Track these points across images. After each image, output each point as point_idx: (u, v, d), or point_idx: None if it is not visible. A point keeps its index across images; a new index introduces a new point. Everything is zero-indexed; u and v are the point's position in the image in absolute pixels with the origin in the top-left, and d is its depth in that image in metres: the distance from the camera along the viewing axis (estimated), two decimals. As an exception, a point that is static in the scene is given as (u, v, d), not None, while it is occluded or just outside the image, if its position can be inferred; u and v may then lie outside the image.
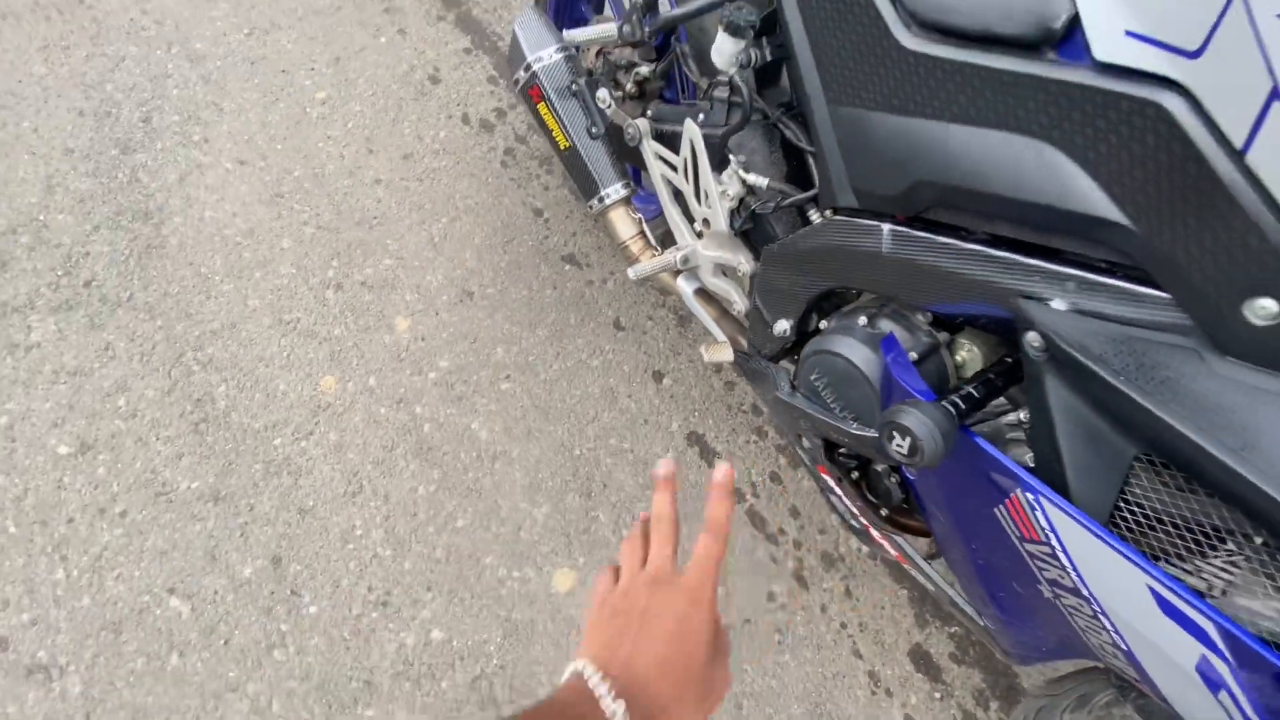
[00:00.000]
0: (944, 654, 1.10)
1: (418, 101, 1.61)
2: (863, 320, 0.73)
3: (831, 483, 0.87)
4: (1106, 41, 0.46)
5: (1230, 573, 0.49)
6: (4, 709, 1.01)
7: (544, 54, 0.99)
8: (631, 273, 0.98)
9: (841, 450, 0.85)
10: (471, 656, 1.07)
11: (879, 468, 0.81)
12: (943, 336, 0.68)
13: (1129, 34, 0.45)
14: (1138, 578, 0.47)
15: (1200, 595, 0.45)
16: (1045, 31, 0.50)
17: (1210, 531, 0.48)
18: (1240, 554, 0.48)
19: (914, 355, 0.65)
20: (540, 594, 1.12)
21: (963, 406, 0.55)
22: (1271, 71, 0.38)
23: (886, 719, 1.05)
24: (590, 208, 1.02)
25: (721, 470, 0.46)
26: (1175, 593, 0.45)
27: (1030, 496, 0.53)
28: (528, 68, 1.00)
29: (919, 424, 0.52)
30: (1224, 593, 0.49)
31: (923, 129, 0.60)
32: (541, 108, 1.00)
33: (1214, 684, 0.46)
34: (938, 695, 1.07)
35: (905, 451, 0.54)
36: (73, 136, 1.51)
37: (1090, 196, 0.49)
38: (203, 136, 1.53)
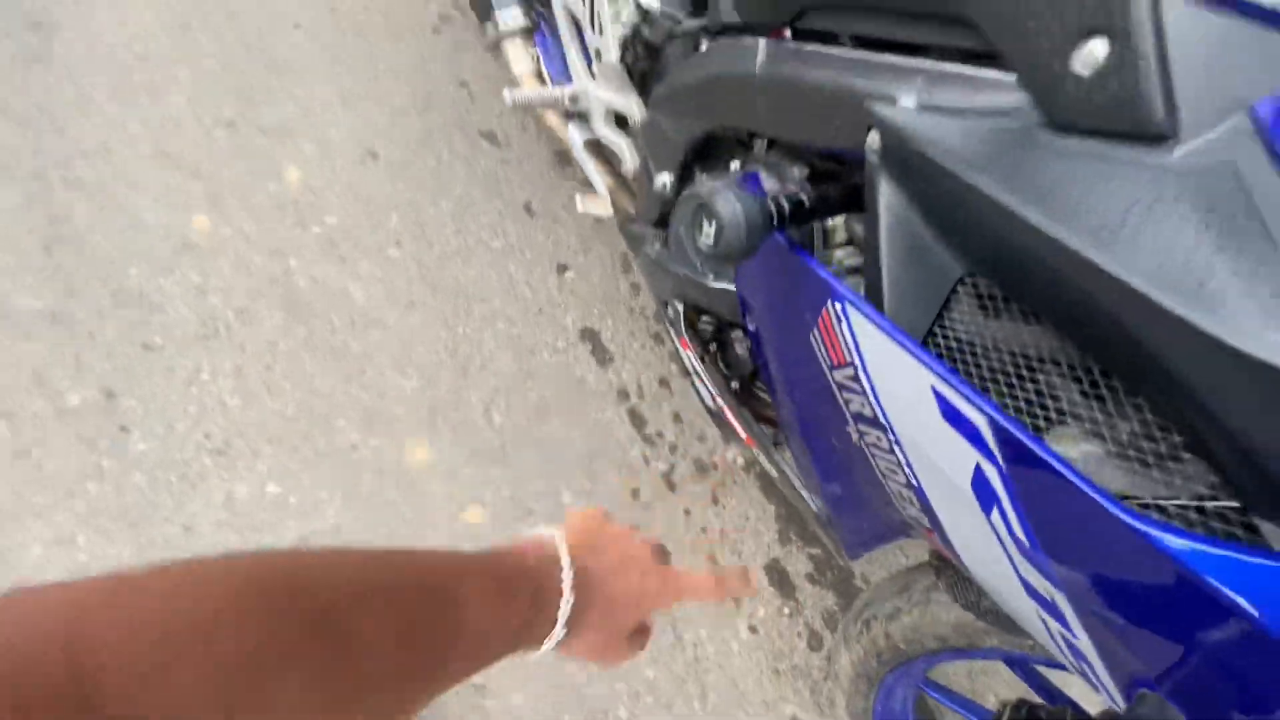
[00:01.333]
0: (800, 573, 1.07)
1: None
2: (734, 166, 0.68)
3: (693, 358, 0.82)
4: None
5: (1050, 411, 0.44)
6: None
7: None
8: (508, 95, 0.90)
9: (702, 320, 0.79)
10: (306, 515, 1.00)
11: (734, 336, 0.76)
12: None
13: None
14: (923, 379, 0.42)
15: (976, 389, 0.40)
16: None
17: (1032, 368, 0.43)
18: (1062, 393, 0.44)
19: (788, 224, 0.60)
20: (392, 465, 1.06)
21: (786, 209, 0.50)
22: None
23: (729, 628, 1.02)
24: (485, 33, 0.94)
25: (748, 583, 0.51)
26: (953, 386, 0.40)
27: (838, 306, 0.48)
28: None
29: (727, 206, 0.47)
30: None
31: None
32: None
33: (987, 501, 0.42)
34: (786, 612, 1.04)
35: (711, 240, 0.48)
36: None
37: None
38: (106, -50, 1.39)
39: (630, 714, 0.98)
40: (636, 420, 1.14)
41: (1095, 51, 0.36)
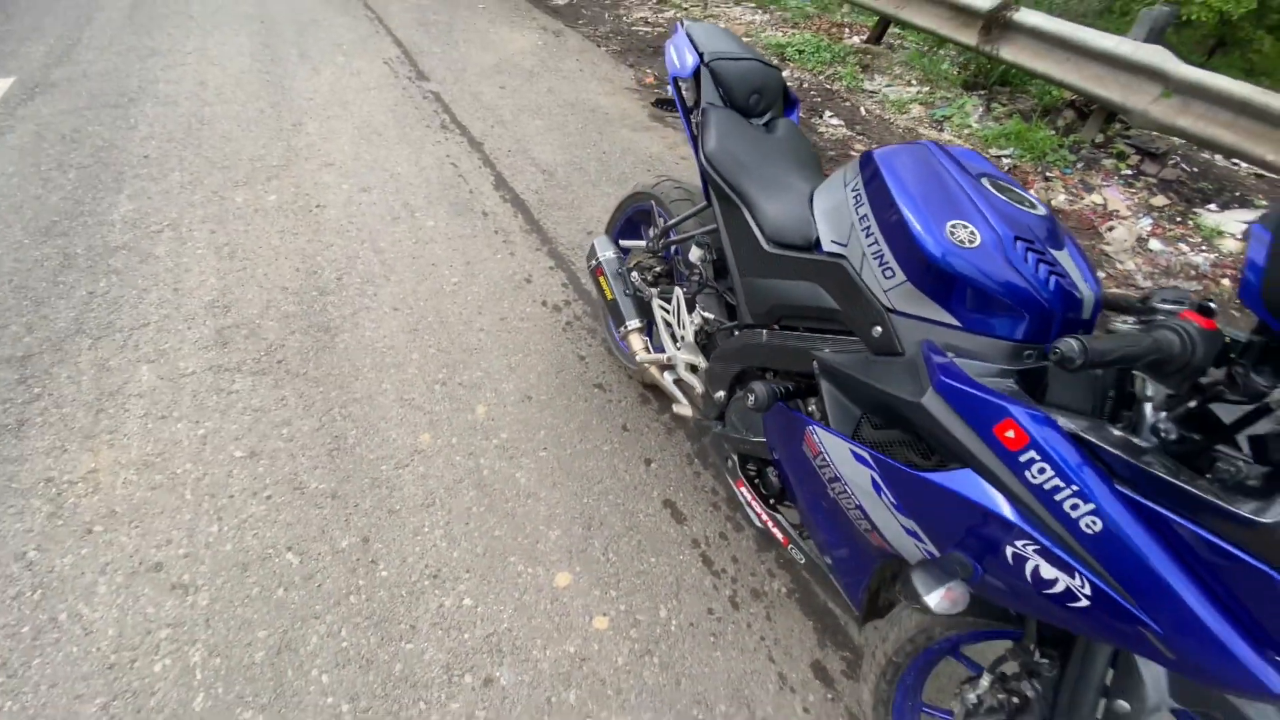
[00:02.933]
0: (837, 670, 1.46)
1: (516, 290, 2.45)
2: (757, 384, 1.37)
3: (745, 492, 1.41)
4: (825, 243, 1.19)
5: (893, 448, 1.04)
6: (147, 609, 1.43)
7: (606, 253, 1.80)
8: (636, 360, 1.64)
9: (748, 465, 1.41)
10: (487, 620, 1.47)
11: (768, 470, 1.36)
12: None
13: (832, 240, 1.17)
14: (848, 449, 1.03)
15: (869, 445, 1.00)
16: (809, 241, 1.23)
17: (887, 437, 1.05)
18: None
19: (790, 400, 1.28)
20: (546, 585, 1.55)
21: (781, 391, 1.17)
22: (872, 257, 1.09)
23: (789, 708, 1.39)
24: (621, 330, 1.73)
25: None
26: (857, 448, 1.00)
27: (811, 427, 1.11)
28: (597, 259, 1.81)
29: (759, 386, 1.14)
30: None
31: (774, 283, 1.31)
32: (602, 280, 1.78)
33: (879, 493, 0.98)
34: (830, 697, 1.41)
35: (751, 402, 1.14)
36: (287, 280, 2.35)
37: (830, 303, 1.17)
38: (375, 291, 2.36)
39: (719, 777, 1.30)
40: (706, 561, 1.65)
41: (875, 332, 1.06)
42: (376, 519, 1.65)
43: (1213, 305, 0.76)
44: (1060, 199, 3.36)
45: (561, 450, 1.88)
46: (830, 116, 4.11)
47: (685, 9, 5.92)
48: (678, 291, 1.59)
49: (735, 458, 1.44)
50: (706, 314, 1.54)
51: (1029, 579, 0.80)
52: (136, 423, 1.82)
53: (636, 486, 1.81)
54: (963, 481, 0.85)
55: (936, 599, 0.82)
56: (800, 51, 4.86)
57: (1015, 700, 0.99)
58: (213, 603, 1.45)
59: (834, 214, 1.20)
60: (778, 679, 1.43)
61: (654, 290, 1.71)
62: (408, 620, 1.46)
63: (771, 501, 1.37)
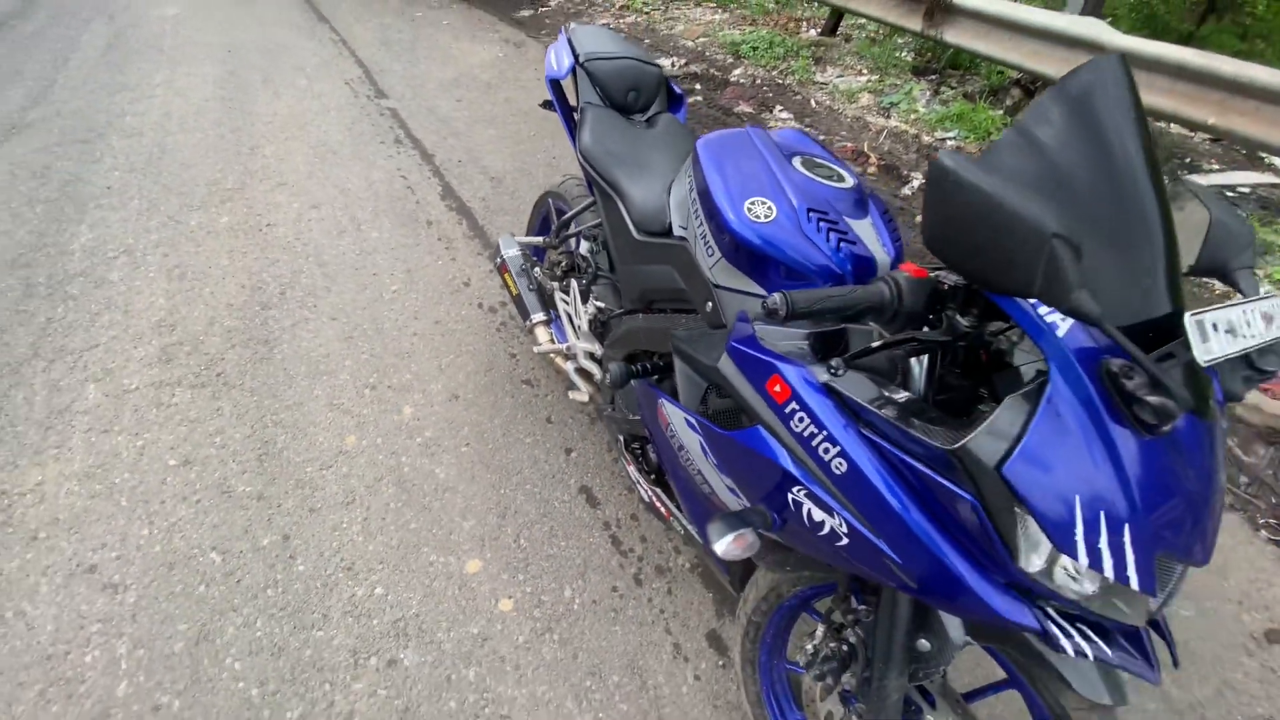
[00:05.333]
0: (734, 639, 1.50)
1: (454, 294, 2.53)
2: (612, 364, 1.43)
3: (632, 470, 1.46)
4: (675, 228, 1.24)
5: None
6: (82, 607, 1.51)
7: (510, 251, 1.88)
8: (536, 349, 1.70)
9: (633, 444, 1.46)
10: (397, 606, 1.54)
11: (649, 447, 1.42)
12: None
13: (680, 225, 1.23)
14: (684, 416, 1.08)
15: (697, 413, 1.06)
16: (665, 227, 1.29)
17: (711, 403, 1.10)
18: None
19: (655, 378, 1.33)
20: (456, 572, 1.62)
21: (644, 368, 1.23)
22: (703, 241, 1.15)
23: (681, 675, 1.44)
24: (527, 324, 1.80)
25: None
26: (693, 417, 1.06)
27: (661, 400, 1.17)
28: (501, 257, 1.88)
29: (614, 365, 1.20)
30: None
31: (643, 269, 1.37)
32: (506, 276, 1.86)
33: (707, 456, 1.04)
34: (721, 664, 1.46)
35: (607, 380, 1.20)
36: (232, 297, 2.44)
37: (681, 283, 1.23)
38: (315, 302, 2.44)
39: (611, 744, 1.36)
40: (615, 542, 1.70)
41: (707, 307, 1.12)
42: (298, 518, 1.72)
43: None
44: (1004, 176, 3.38)
45: (484, 445, 1.94)
46: (780, 111, 4.17)
47: (646, 13, 6.01)
48: (574, 283, 1.66)
49: (623, 438, 1.50)
50: (600, 303, 1.61)
51: (807, 523, 0.86)
52: (81, 437, 1.91)
53: (555, 475, 1.87)
54: (753, 436, 0.91)
55: (724, 545, 0.88)
56: (754, 48, 4.92)
57: (844, 648, 1.04)
58: (140, 599, 1.53)
59: (680, 201, 1.27)
60: (673, 649, 1.48)
61: (555, 284, 1.78)
62: (320, 610, 1.53)
63: (653, 477, 1.43)
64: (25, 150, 3.45)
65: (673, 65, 5.06)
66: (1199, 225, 0.81)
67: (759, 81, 4.62)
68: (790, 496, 0.87)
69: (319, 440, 1.93)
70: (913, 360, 0.85)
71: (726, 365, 0.93)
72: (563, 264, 1.84)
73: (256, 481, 1.81)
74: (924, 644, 0.92)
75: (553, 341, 1.79)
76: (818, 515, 0.84)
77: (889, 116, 3.94)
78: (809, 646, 1.09)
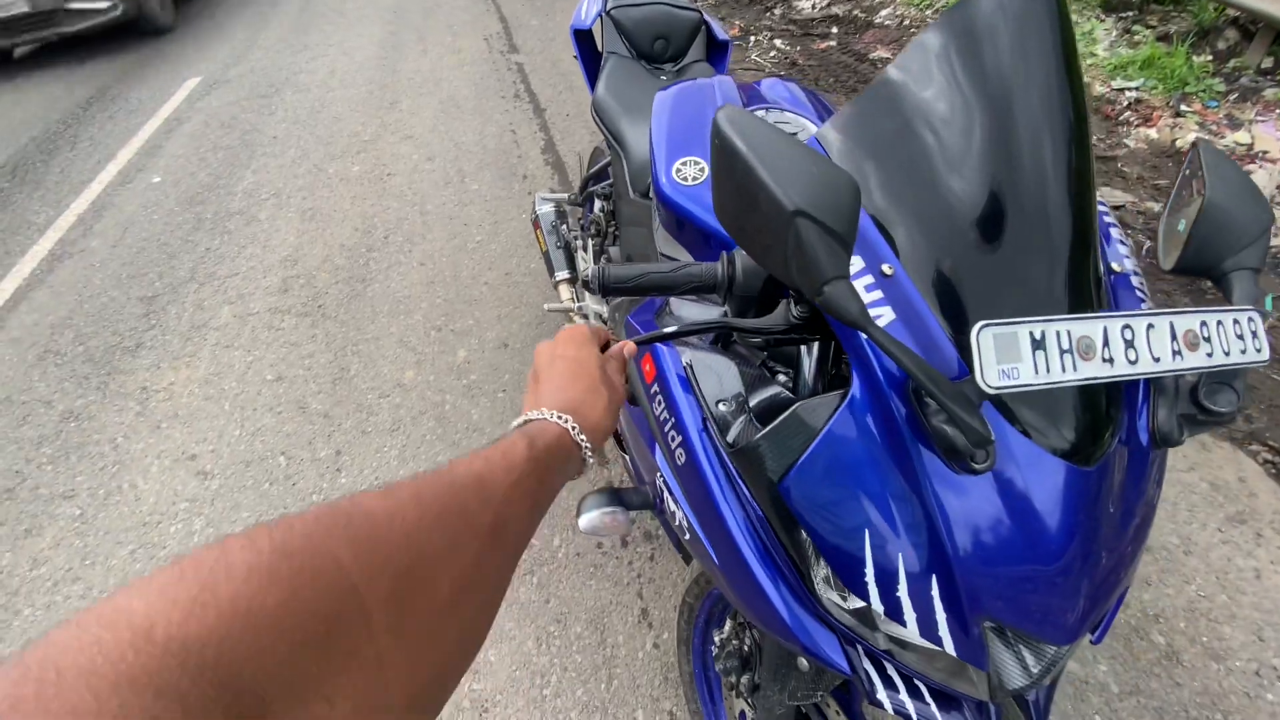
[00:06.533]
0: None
1: (530, 248, 2.64)
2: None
3: (614, 436, 1.47)
4: (653, 190, 1.19)
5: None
6: (177, 487, 1.85)
7: (544, 208, 1.91)
8: (546, 307, 1.74)
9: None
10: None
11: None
12: None
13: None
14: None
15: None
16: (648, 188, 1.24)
17: None
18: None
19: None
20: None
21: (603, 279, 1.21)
22: None
23: (640, 640, 1.45)
24: (551, 280, 1.84)
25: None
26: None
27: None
28: (535, 214, 1.92)
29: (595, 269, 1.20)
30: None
31: (636, 230, 1.33)
32: (538, 233, 1.90)
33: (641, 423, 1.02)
34: (685, 638, 1.45)
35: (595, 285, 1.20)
36: (346, 239, 2.75)
37: (654, 249, 1.18)
38: (411, 248, 2.68)
39: (555, 691, 1.42)
40: (615, 502, 1.73)
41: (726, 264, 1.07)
42: (352, 437, 1.96)
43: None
44: (1190, 137, 2.75)
45: (517, 393, 2.05)
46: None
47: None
48: (590, 242, 1.65)
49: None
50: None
51: (665, 511, 0.82)
52: (209, 350, 2.31)
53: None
54: (637, 415, 0.87)
55: (586, 520, 0.87)
56: (908, -13, 4.38)
57: (744, 648, 0.99)
58: (220, 487, 1.85)
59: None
60: (640, 614, 1.49)
61: (576, 242, 1.78)
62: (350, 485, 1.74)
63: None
64: (220, 103, 4.09)
65: (813, 6, 4.68)
66: (1191, 206, 0.62)
67: (907, 22, 4.12)
68: (658, 479, 0.83)
69: (384, 371, 2.16)
70: (802, 348, 0.76)
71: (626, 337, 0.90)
72: (582, 222, 1.84)
73: (327, 401, 2.07)
74: (803, 663, 0.85)
75: (574, 300, 1.82)
76: (670, 505, 0.79)
77: (1054, 65, 3.34)
78: (717, 638, 1.05)
